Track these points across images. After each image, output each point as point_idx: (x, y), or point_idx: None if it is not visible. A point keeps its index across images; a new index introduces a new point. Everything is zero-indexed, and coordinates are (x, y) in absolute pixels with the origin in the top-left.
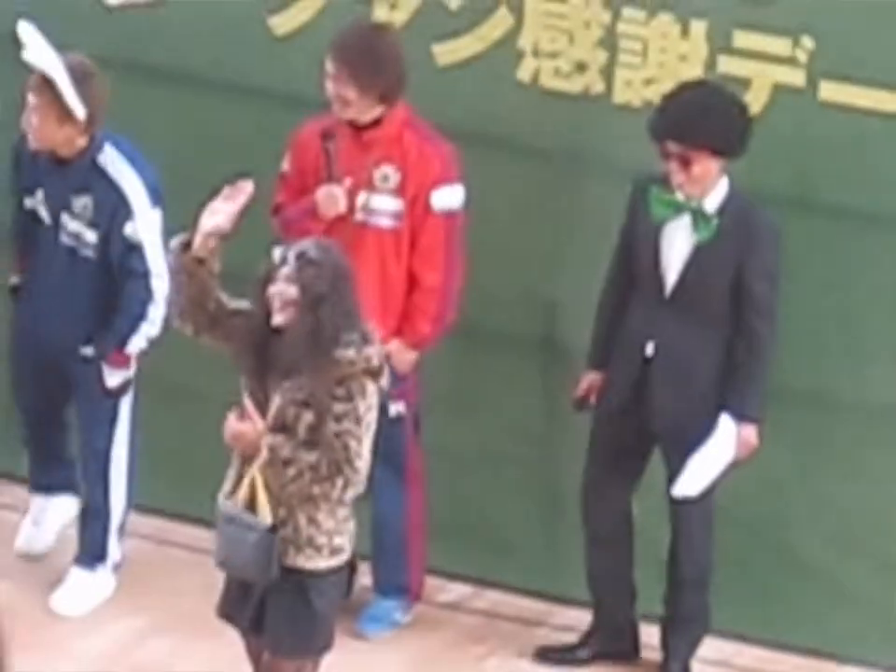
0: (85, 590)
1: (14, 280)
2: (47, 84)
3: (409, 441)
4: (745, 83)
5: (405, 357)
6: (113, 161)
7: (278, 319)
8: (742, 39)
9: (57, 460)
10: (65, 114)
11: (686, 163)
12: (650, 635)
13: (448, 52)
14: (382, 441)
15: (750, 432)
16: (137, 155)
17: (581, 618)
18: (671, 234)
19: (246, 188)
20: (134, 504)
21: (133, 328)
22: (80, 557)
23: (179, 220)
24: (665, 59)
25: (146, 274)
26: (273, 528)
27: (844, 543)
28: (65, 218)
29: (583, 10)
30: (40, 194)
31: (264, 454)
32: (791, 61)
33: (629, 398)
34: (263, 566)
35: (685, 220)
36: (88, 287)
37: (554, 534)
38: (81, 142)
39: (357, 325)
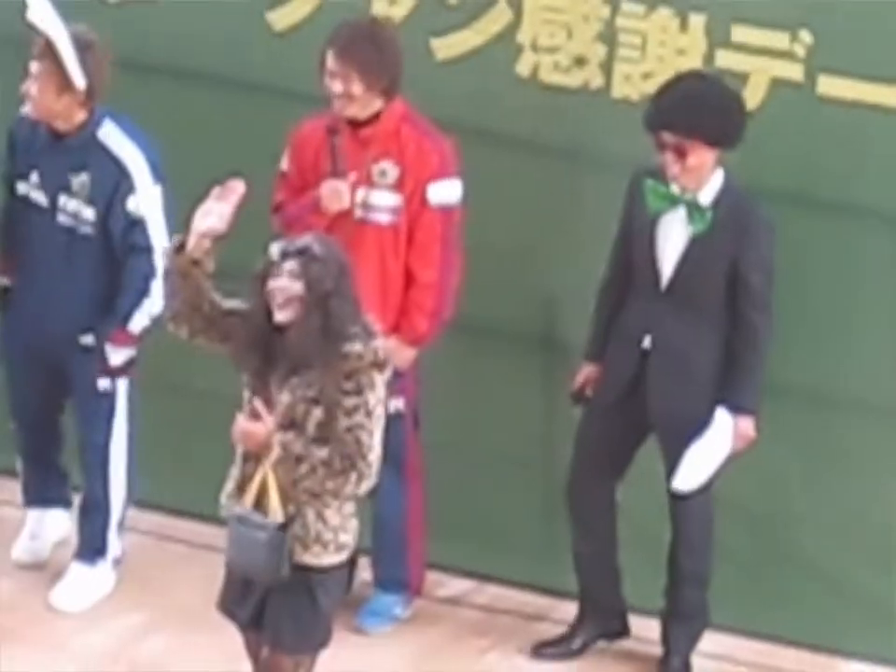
0: (85, 585)
1: (2, 281)
2: (50, 51)
3: (408, 437)
4: (743, 77)
5: (404, 353)
6: (114, 135)
7: (281, 316)
8: (740, 33)
9: (53, 471)
10: (65, 84)
11: (681, 154)
12: (650, 629)
13: (447, 46)
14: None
15: (748, 424)
16: (138, 131)
17: None
18: (666, 227)
19: (238, 187)
20: (134, 500)
21: (136, 304)
22: (80, 552)
23: (177, 215)
24: (663, 53)
25: (148, 250)
26: (284, 526)
27: (844, 539)
28: (63, 199)
29: (582, 5)
30: (35, 177)
31: (276, 451)
32: (789, 55)
33: (626, 391)
34: (274, 565)
35: (680, 213)
36: (87, 268)
37: (554, 528)
38: (80, 115)
39: (360, 318)
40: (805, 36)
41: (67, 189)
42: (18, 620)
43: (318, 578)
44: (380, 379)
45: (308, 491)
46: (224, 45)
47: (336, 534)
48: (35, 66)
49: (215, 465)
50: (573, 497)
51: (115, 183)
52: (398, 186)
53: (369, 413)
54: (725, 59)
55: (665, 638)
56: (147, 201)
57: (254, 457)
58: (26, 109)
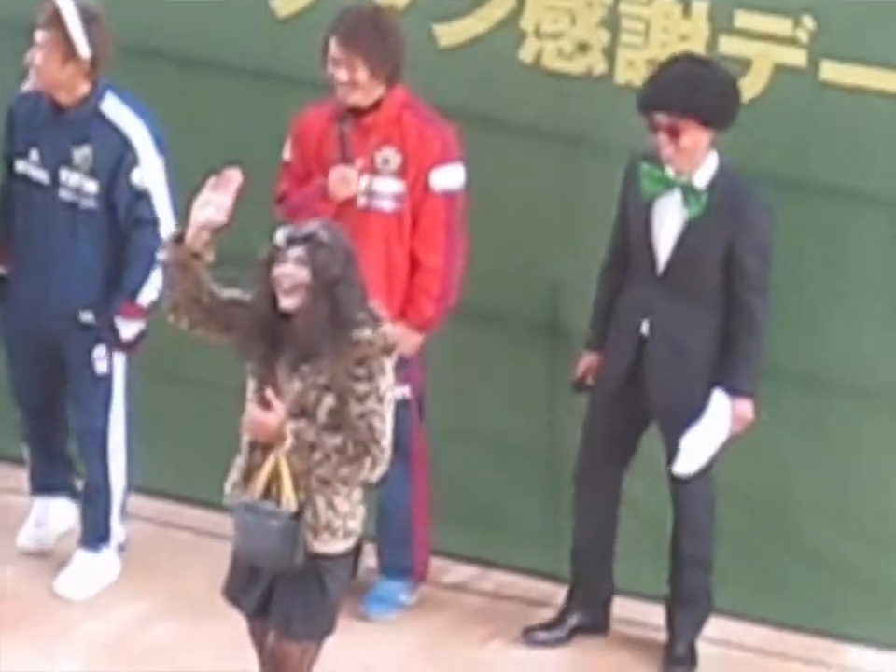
0: (90, 572)
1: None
2: (56, 20)
3: (413, 424)
4: (746, 63)
5: (410, 339)
6: (117, 108)
7: (287, 302)
8: (743, 19)
9: (58, 459)
10: (70, 53)
11: (675, 134)
12: (656, 615)
13: (450, 33)
14: None
15: (746, 407)
16: (140, 104)
17: None
18: (662, 211)
19: (235, 177)
20: (138, 487)
21: (144, 277)
22: (84, 539)
23: (178, 202)
24: (666, 39)
25: (154, 222)
26: (297, 515)
27: (847, 524)
28: (65, 174)
29: None
30: (35, 154)
31: (289, 440)
32: (792, 41)
33: (626, 377)
34: (288, 553)
35: (675, 196)
36: (90, 243)
37: (559, 515)
38: (84, 87)
39: (366, 305)
40: (808, 22)
41: (69, 163)
42: (22, 608)
43: (327, 565)
44: (389, 364)
45: (321, 479)
46: (227, 32)
47: (345, 521)
48: (40, 35)
49: (219, 452)
50: (581, 487)
51: (119, 155)
52: (401, 173)
53: (380, 399)
54: (728, 45)
55: (670, 624)
56: (151, 173)
57: (260, 447)
58: (27, 86)
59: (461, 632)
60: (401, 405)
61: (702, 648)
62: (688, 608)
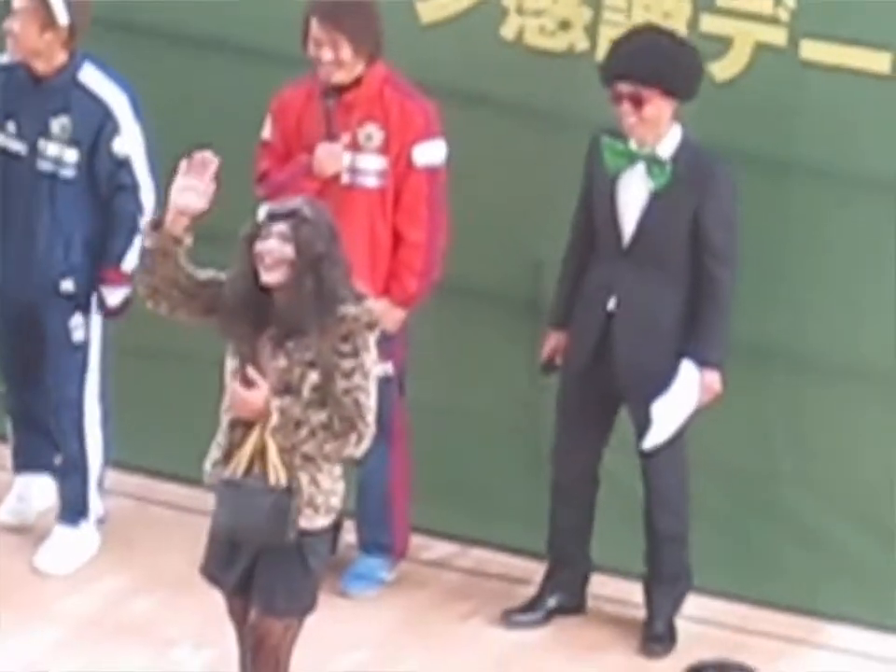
0: (69, 547)
1: None
2: None
3: (394, 400)
4: (727, 42)
5: (393, 315)
6: (94, 76)
7: (269, 277)
8: None
9: (41, 436)
10: (48, 21)
11: (638, 104)
12: (634, 592)
13: (432, 9)
14: None
15: (713, 378)
16: (115, 72)
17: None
18: (626, 185)
19: (209, 161)
20: (118, 462)
21: (128, 242)
22: (63, 514)
23: (159, 179)
24: (649, 17)
25: (135, 188)
26: (288, 490)
27: (830, 502)
28: (43, 144)
29: None
30: (11, 126)
31: (275, 417)
32: (772, 19)
33: (593, 355)
34: (280, 529)
35: (639, 169)
36: (69, 212)
37: (540, 492)
38: (61, 56)
39: (350, 281)
40: (789, 1)
41: (47, 133)
42: (2, 583)
43: (309, 541)
44: (372, 339)
45: (305, 455)
46: (207, 6)
47: (327, 497)
48: (18, 2)
49: (198, 427)
50: (558, 465)
51: (99, 124)
52: (383, 149)
53: (365, 375)
54: (709, 23)
55: (649, 602)
56: (131, 140)
57: (241, 424)
58: (4, 58)
59: (441, 609)
60: (383, 382)
61: (682, 626)
62: (666, 585)
